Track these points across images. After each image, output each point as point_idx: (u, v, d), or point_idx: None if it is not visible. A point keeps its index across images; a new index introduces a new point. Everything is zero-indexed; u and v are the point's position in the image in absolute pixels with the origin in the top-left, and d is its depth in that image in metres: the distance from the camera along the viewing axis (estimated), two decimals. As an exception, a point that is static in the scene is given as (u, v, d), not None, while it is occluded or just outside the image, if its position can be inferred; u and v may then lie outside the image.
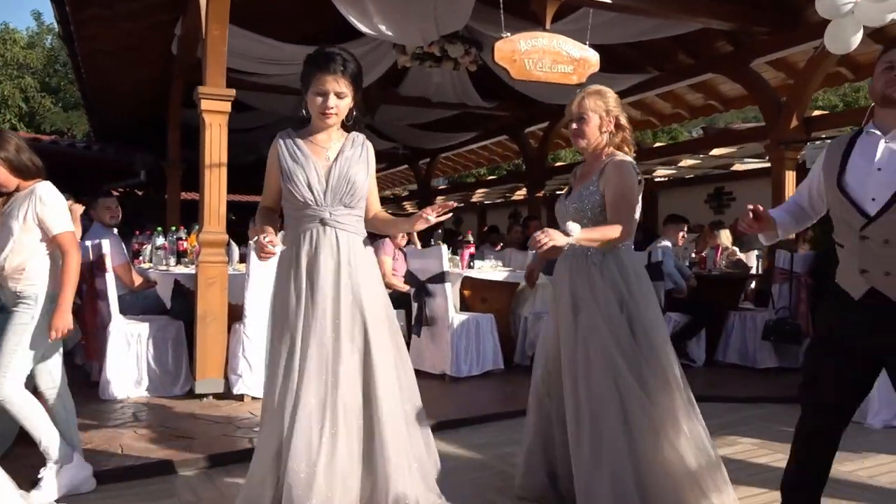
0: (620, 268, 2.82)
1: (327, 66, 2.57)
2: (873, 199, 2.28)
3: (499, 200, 16.11)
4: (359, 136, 2.77)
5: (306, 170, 2.63)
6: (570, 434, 2.75)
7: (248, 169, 15.33)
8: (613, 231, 2.75)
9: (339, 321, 2.59)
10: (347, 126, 2.76)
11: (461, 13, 6.12)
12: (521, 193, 13.83)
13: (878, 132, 2.37)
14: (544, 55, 5.53)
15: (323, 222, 2.64)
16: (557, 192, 13.66)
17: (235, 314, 4.79)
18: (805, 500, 2.55)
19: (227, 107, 4.74)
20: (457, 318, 5.48)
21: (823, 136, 6.62)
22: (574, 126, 2.92)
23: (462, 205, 16.79)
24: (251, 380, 4.66)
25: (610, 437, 2.65)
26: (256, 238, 2.59)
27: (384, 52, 7.64)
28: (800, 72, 6.93)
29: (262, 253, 2.53)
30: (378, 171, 16.56)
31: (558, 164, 13.76)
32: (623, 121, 2.93)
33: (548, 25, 5.60)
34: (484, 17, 6.44)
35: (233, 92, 4.73)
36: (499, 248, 8.99)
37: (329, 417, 2.51)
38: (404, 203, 18.67)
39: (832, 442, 2.52)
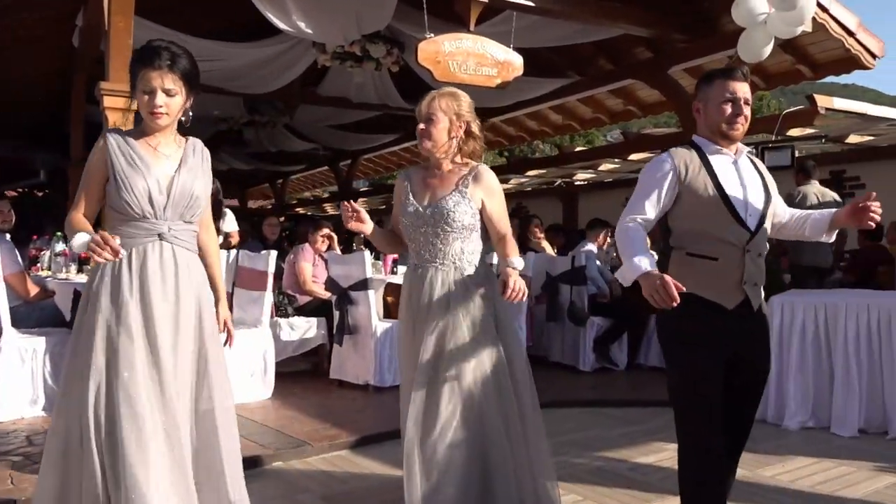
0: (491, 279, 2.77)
1: (152, 61, 2.35)
2: (750, 215, 2.40)
3: (421, 203, 15.97)
4: (198, 143, 2.54)
5: (147, 179, 2.36)
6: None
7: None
8: (513, 243, 2.76)
9: (177, 349, 2.35)
10: (185, 129, 2.54)
11: (383, 13, 5.96)
12: (443, 196, 13.74)
13: (728, 152, 2.46)
14: (468, 57, 5.45)
15: (161, 237, 2.38)
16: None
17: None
18: None
19: (133, 105, 4.41)
20: (380, 325, 5.32)
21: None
22: (421, 126, 2.70)
23: (384, 206, 16.61)
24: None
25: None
26: (91, 235, 2.16)
27: (303, 51, 7.40)
28: (714, 80, 7.07)
29: (103, 250, 2.09)
30: (298, 171, 16.32)
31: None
32: (475, 129, 2.74)
33: (472, 27, 5.52)
34: (407, 18, 6.30)
35: (139, 88, 4.41)
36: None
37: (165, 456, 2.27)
38: (324, 205, 18.31)
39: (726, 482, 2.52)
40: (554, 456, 3.86)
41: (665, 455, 3.89)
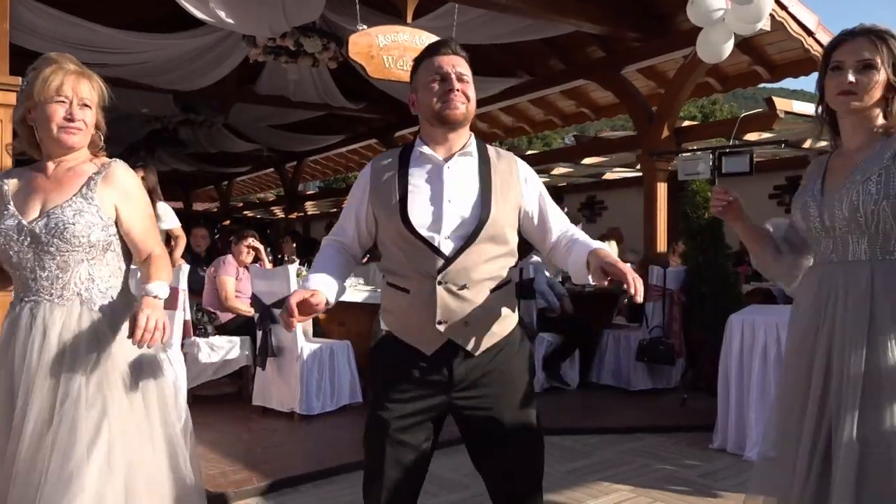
0: None
1: None
2: (446, 237, 1.92)
3: (372, 206, 15.51)
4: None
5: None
6: None
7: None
8: (160, 264, 2.19)
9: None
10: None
11: (313, 4, 5.48)
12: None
13: (438, 155, 1.99)
14: (406, 52, 4.99)
15: None
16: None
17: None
18: None
19: (11, 98, 3.85)
20: (307, 346, 4.82)
21: (694, 147, 6.48)
22: None
23: (335, 210, 16.07)
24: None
25: None
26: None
27: (233, 45, 6.90)
28: (670, 81, 6.78)
29: None
30: (243, 173, 15.70)
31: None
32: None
33: (409, 20, 5.08)
34: (341, 9, 5.85)
35: (18, 80, 3.84)
36: (365, 260, 8.38)
37: None
38: (272, 208, 17.67)
39: None
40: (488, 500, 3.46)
41: (615, 498, 3.48)
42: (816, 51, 5.93)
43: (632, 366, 5.78)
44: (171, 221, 5.38)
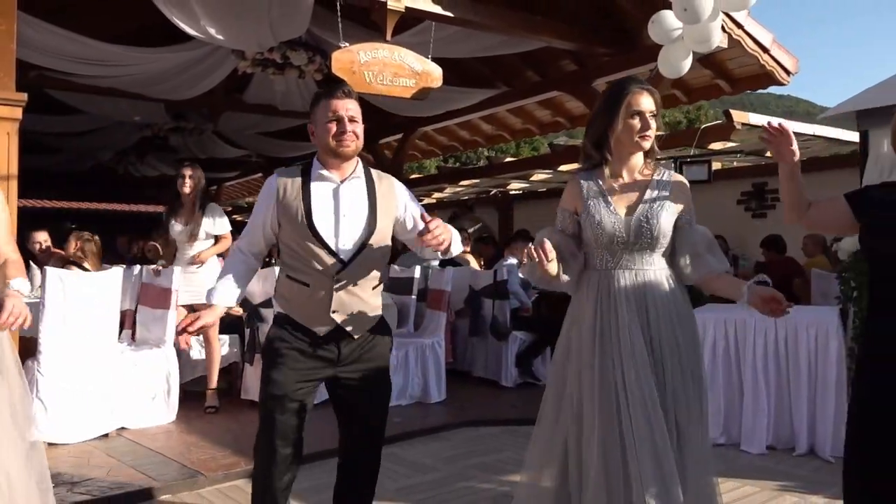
0: None
1: None
2: (343, 245, 2.43)
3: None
4: None
5: None
6: None
7: (84, 175, 14.23)
8: (16, 265, 2.45)
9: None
10: None
11: (299, 20, 5.80)
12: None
13: (335, 178, 2.48)
14: (385, 68, 5.33)
15: None
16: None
17: (29, 349, 4.21)
18: None
19: (18, 113, 4.15)
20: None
21: (659, 156, 6.82)
22: None
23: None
24: (45, 423, 4.10)
25: None
26: None
27: (223, 57, 7.19)
28: (637, 93, 7.12)
29: None
30: (231, 178, 15.94)
31: (413, 176, 13.67)
32: None
33: (389, 37, 5.40)
34: (327, 25, 6.16)
35: (24, 96, 4.15)
36: (350, 263, 8.68)
37: None
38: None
39: None
40: (461, 481, 3.80)
41: (572, 478, 3.81)
42: (772, 66, 6.32)
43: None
44: (222, 226, 5.41)
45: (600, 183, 2.47)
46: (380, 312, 2.59)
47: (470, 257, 7.01)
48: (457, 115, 8.97)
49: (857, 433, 2.17)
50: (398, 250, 7.39)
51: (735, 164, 8.45)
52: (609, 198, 2.44)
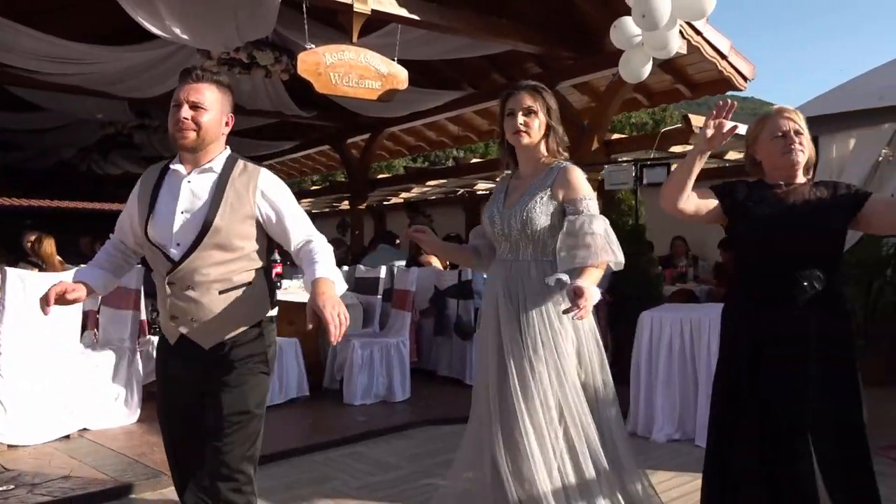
0: None
1: None
2: (177, 243, 2.20)
3: (326, 210, 15.79)
4: None
5: None
6: None
7: (47, 173, 13.98)
8: None
9: None
10: None
11: (265, 21, 5.81)
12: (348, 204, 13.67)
13: (183, 171, 2.24)
14: (351, 70, 5.37)
15: None
16: (384, 203, 13.60)
17: (-12, 350, 4.17)
18: None
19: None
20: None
21: (622, 158, 6.98)
22: None
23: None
24: (5, 425, 4.08)
25: None
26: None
27: (188, 56, 7.16)
28: (600, 97, 7.27)
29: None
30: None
31: (381, 175, 13.69)
32: None
33: (355, 39, 5.44)
34: (294, 25, 6.17)
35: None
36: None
37: None
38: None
39: None
40: (424, 478, 3.86)
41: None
42: (730, 72, 6.50)
43: (561, 361, 6.22)
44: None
45: (510, 181, 2.67)
46: (243, 320, 2.24)
47: (434, 259, 7.07)
48: (424, 116, 9.05)
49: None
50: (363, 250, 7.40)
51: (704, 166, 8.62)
52: (506, 194, 2.64)
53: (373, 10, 5.25)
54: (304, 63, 5.18)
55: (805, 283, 2.31)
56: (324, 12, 5.52)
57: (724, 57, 6.30)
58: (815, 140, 4.82)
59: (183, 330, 2.23)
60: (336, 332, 1.94)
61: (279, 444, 4.35)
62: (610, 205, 6.71)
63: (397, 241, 8.60)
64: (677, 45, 5.20)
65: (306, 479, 3.85)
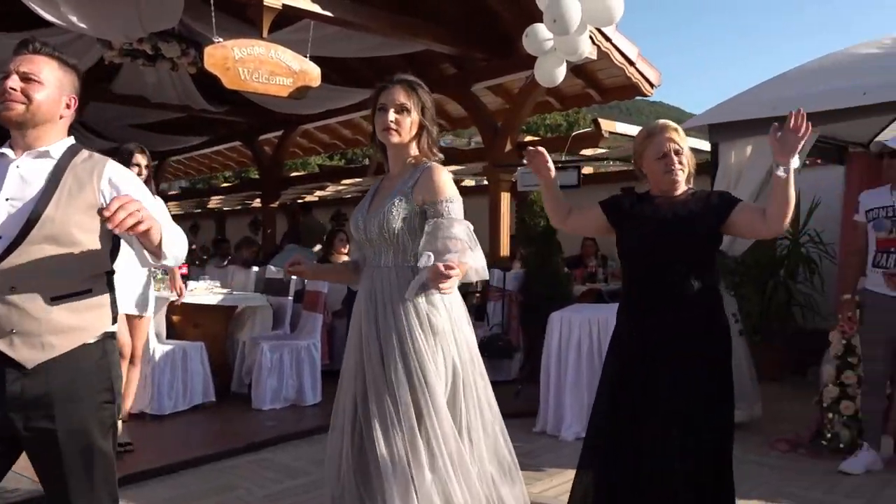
0: None
1: None
2: (0, 237, 1.85)
3: (238, 207, 15.38)
4: None
5: None
6: None
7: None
8: None
9: None
10: None
11: (170, 11, 5.58)
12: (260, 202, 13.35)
13: (12, 155, 1.95)
14: (261, 65, 5.22)
15: None
16: (300, 201, 13.37)
17: None
18: None
19: None
20: (159, 348, 4.95)
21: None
22: None
23: (199, 210, 15.79)
24: None
25: None
26: None
27: (89, 44, 6.79)
28: (514, 98, 7.36)
29: None
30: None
31: (295, 173, 13.45)
32: None
33: (265, 34, 5.30)
34: (202, 17, 5.95)
35: None
36: (226, 263, 8.46)
37: None
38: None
39: None
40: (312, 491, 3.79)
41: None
42: (637, 79, 6.70)
43: (475, 361, 6.27)
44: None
45: (381, 182, 2.53)
46: (81, 335, 1.90)
47: (347, 258, 6.98)
48: (339, 114, 8.92)
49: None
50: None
51: (604, 169, 8.87)
52: (374, 195, 2.50)
53: (284, 5, 5.13)
54: (212, 57, 5.00)
55: (676, 290, 2.49)
56: (233, 5, 5.35)
57: (631, 63, 6.48)
58: (714, 147, 5.06)
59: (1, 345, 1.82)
60: (115, 218, 1.67)
61: (183, 452, 4.20)
62: (522, 206, 6.81)
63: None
64: (588, 50, 5.30)
65: (211, 488, 3.72)
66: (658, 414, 2.44)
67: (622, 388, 2.55)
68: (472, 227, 2.34)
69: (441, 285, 2.13)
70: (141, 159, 4.38)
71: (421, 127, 2.41)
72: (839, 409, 4.23)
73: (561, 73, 5.58)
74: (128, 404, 4.45)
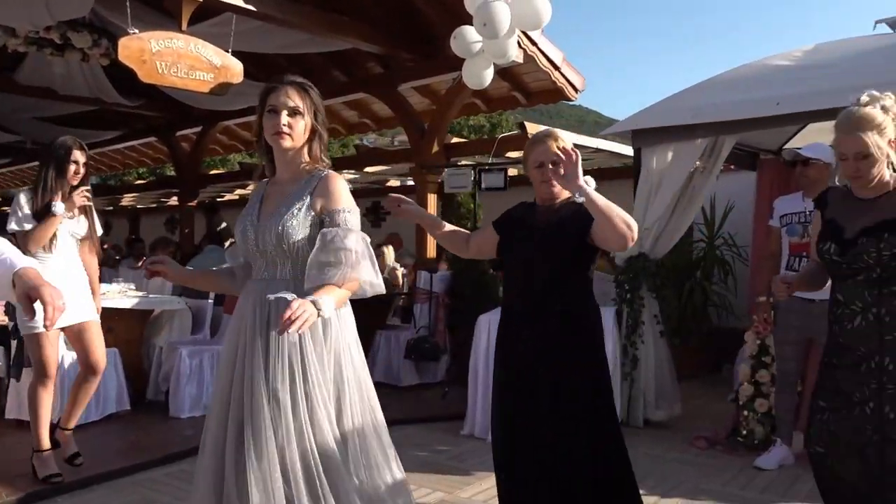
0: None
1: None
2: None
3: (153, 206, 14.79)
4: None
5: None
6: None
7: None
8: None
9: None
10: None
11: (81, 0, 5.29)
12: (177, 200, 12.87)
13: None
14: (180, 59, 5.03)
15: None
16: (219, 200, 12.98)
17: None
18: None
19: None
20: (69, 355, 4.68)
21: (461, 161, 7.09)
22: None
23: (111, 208, 15.10)
24: None
25: None
26: None
27: (-11, 32, 6.38)
28: (440, 100, 7.35)
29: None
30: (1, 166, 14.22)
31: (214, 171, 13.06)
32: None
33: (184, 27, 5.10)
34: (116, 7, 5.67)
35: None
36: (141, 263, 8.11)
37: None
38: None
39: None
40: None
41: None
42: (562, 83, 6.80)
43: (401, 363, 6.23)
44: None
45: (266, 188, 2.38)
46: None
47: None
48: (260, 111, 8.69)
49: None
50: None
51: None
52: (262, 202, 2.34)
53: (204, -3, 4.95)
54: (127, 49, 4.77)
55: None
56: (149, -6, 5.13)
57: (557, 68, 6.57)
58: (637, 152, 5.18)
59: None
60: None
61: (96, 465, 3.99)
62: (449, 208, 6.80)
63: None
64: (515, 53, 5.33)
65: (127, 503, 3.54)
66: (543, 418, 2.53)
67: (509, 393, 2.66)
68: (368, 239, 2.24)
69: (286, 329, 1.92)
70: (79, 156, 4.04)
71: (313, 131, 2.29)
72: (754, 406, 4.40)
73: (488, 75, 5.60)
74: (77, 415, 4.17)
